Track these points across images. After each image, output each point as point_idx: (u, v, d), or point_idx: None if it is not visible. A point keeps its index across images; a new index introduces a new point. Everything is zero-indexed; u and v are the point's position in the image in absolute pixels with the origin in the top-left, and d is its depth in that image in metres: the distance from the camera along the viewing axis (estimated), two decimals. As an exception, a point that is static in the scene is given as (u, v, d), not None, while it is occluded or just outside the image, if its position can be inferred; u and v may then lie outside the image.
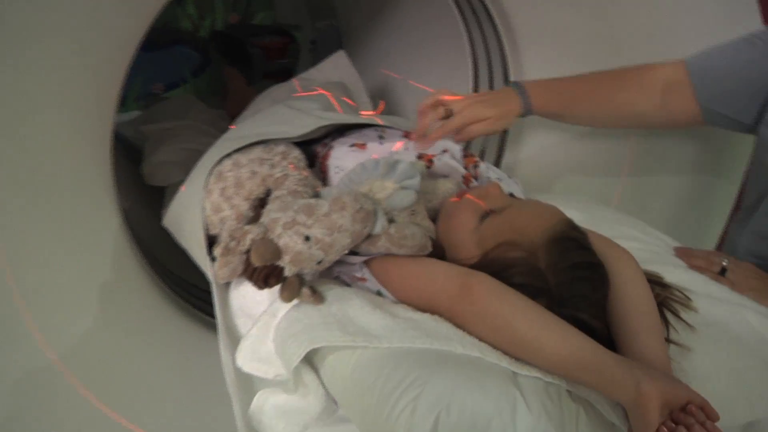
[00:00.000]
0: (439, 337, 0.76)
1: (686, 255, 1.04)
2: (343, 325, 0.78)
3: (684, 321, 0.87)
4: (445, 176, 1.04)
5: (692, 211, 1.45)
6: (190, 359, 1.12)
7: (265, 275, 0.81)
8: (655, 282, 0.91)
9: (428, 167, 1.05)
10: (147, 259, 1.20)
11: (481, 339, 0.78)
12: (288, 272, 0.82)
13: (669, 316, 0.88)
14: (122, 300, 1.08)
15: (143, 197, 1.46)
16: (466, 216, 0.91)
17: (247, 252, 0.83)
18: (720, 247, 1.47)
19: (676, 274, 0.97)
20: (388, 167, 0.90)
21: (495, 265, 0.84)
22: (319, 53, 2.26)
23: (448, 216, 0.94)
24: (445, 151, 1.08)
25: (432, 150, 1.08)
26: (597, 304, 0.83)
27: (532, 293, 0.80)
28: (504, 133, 1.48)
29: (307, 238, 0.82)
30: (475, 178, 1.09)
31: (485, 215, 0.90)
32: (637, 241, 1.05)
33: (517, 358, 0.76)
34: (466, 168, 1.08)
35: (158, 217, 1.25)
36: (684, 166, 1.42)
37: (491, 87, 1.50)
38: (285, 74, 2.21)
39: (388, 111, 1.67)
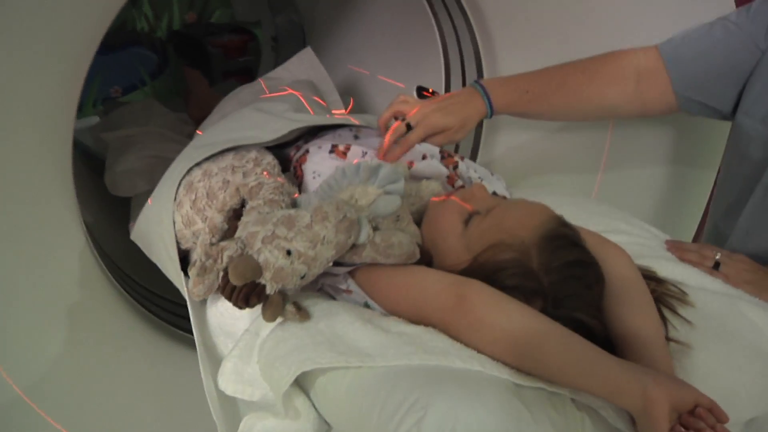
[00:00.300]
0: (436, 352, 0.71)
1: (678, 249, 1.00)
2: (332, 344, 0.73)
3: (682, 317, 0.84)
4: (427, 178, 0.99)
5: (670, 202, 1.42)
6: (169, 380, 1.05)
7: (246, 295, 0.75)
8: (649, 277, 0.88)
9: (410, 168, 0.99)
10: (115, 275, 1.12)
11: (479, 350, 0.73)
12: (270, 290, 0.76)
13: (666, 312, 0.85)
14: (92, 322, 1.01)
15: (107, 209, 1.38)
16: (452, 220, 0.86)
17: (225, 270, 0.77)
18: (698, 236, 1.45)
19: (669, 267, 0.94)
20: (369, 172, 0.85)
21: (486, 269, 0.80)
22: (281, 50, 2.20)
23: (433, 221, 0.89)
24: (424, 157, 1.03)
25: (411, 156, 1.03)
26: (593, 303, 0.79)
27: (526, 295, 0.76)
28: (479, 130, 1.43)
29: (288, 253, 0.76)
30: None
31: (471, 218, 0.85)
32: (626, 235, 1.02)
33: (518, 369, 0.72)
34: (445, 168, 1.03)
35: (125, 229, 1.18)
36: (661, 157, 1.39)
37: (463, 77, 1.45)
38: (246, 73, 2.19)
39: (358, 108, 1.61)
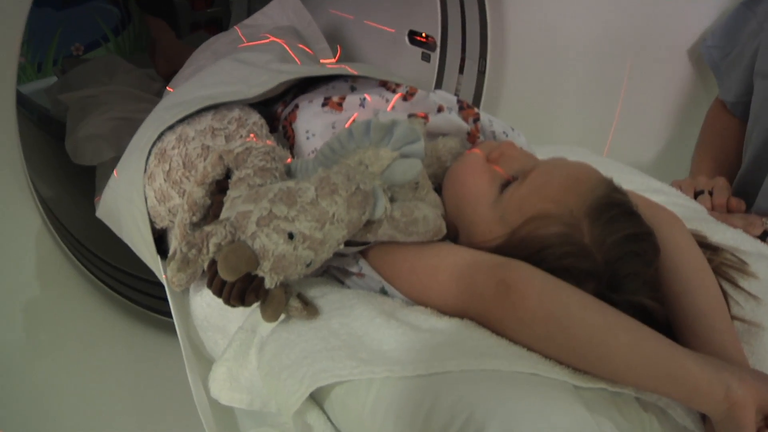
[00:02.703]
0: (480, 354, 0.55)
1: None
2: (352, 350, 0.56)
3: (746, 291, 0.70)
4: (444, 134, 0.81)
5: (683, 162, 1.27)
6: (153, 376, 0.88)
7: (240, 291, 0.58)
8: (702, 245, 0.72)
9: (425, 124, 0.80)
10: (81, 257, 0.94)
11: (529, 348, 0.57)
12: (269, 283, 0.59)
13: (727, 286, 0.70)
14: (55, 316, 0.83)
15: (69, 180, 1.18)
16: (482, 185, 0.69)
17: (213, 260, 0.59)
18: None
19: (719, 231, 0.79)
20: (382, 131, 0.66)
21: (527, 246, 0.64)
22: (254, -2, 1.98)
23: (458, 186, 0.72)
24: (440, 109, 0.84)
25: (425, 108, 0.84)
26: (652, 282, 0.64)
27: (579, 278, 0.60)
28: (479, 86, 1.25)
29: (290, 236, 0.59)
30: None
31: (506, 183, 0.68)
32: (664, 194, 0.86)
33: (576, 368, 0.57)
34: (465, 122, 0.85)
35: (90, 203, 0.99)
36: (672, 114, 1.24)
37: (463, 19, 1.23)
38: (214, 25, 2.06)
39: (344, 57, 1.42)
